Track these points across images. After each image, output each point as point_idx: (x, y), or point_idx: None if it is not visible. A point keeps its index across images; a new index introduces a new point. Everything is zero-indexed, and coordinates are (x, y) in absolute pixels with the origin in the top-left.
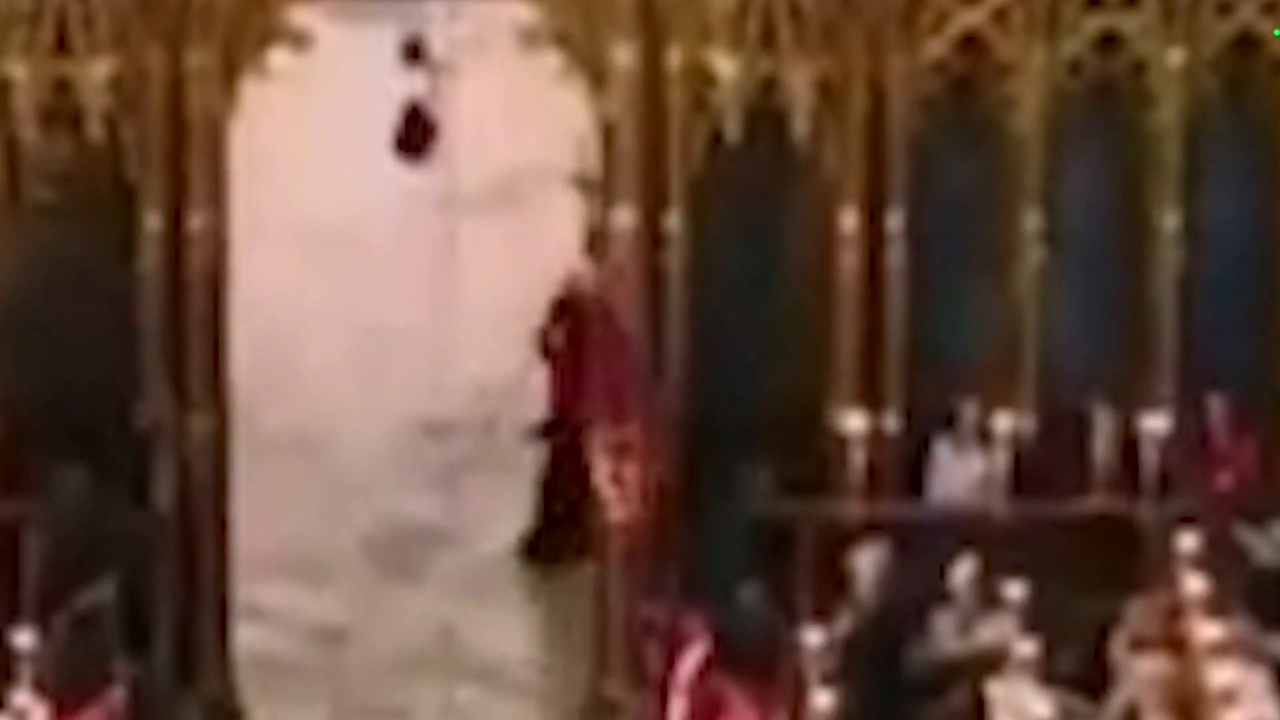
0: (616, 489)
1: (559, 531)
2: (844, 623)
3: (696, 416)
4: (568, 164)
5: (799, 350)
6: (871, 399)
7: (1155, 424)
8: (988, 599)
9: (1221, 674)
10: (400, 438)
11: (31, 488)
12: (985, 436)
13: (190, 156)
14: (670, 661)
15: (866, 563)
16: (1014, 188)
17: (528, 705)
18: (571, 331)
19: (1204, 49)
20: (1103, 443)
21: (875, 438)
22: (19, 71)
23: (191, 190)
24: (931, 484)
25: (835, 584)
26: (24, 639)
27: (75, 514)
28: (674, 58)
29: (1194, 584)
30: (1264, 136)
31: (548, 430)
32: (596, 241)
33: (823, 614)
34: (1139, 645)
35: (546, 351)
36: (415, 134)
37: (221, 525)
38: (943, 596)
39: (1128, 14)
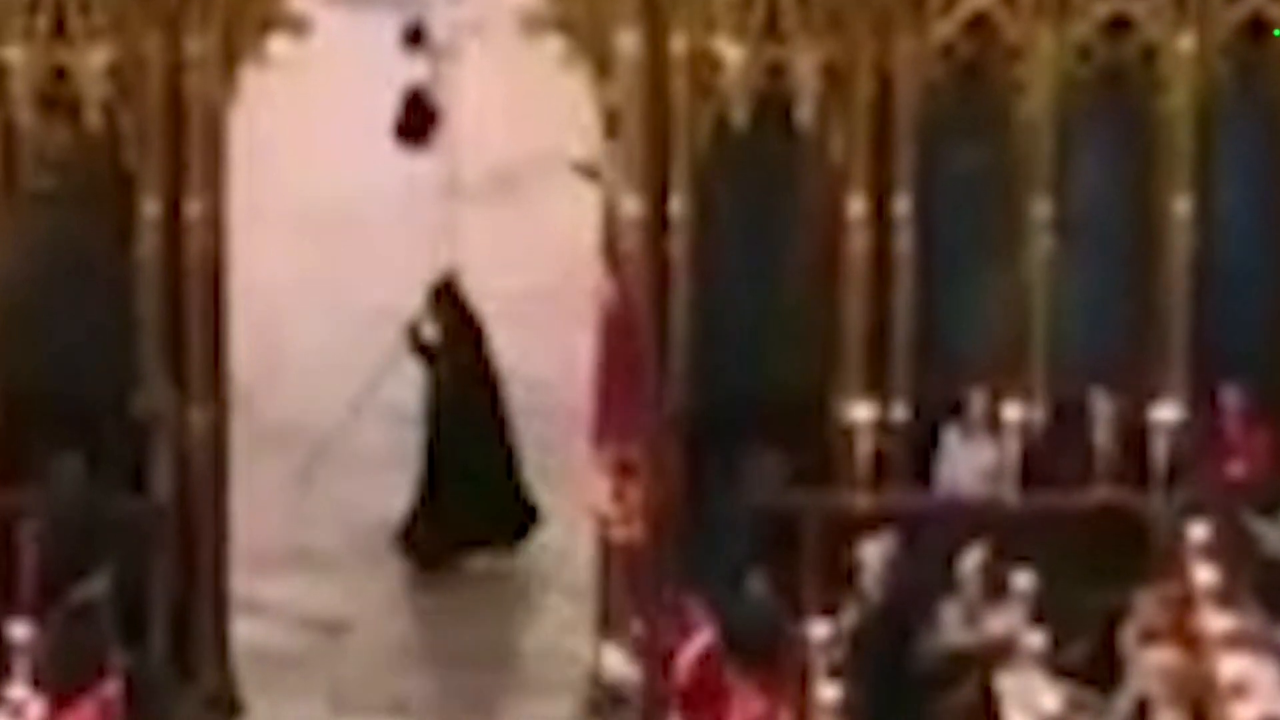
0: (618, 508)
1: (438, 525)
2: (850, 614)
3: (702, 405)
4: (570, 151)
5: (805, 338)
6: (879, 388)
7: (1166, 413)
8: (996, 590)
9: (1232, 666)
10: (402, 426)
11: (28, 477)
12: (994, 426)
13: (189, 143)
14: (672, 650)
15: (873, 553)
16: (1023, 173)
17: (529, 697)
18: (448, 325)
19: (1214, 34)
20: (1102, 431)
21: (882, 427)
22: (17, 58)
23: (190, 177)
24: (939, 474)
25: (842, 575)
26: (20, 631)
27: (72, 504)
28: (679, 44)
29: (1204, 575)
30: (1275, 122)
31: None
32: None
33: (829, 605)
34: (1149, 637)
35: (418, 345)
36: (416, 120)
37: (220, 516)
38: (950, 587)
39: None
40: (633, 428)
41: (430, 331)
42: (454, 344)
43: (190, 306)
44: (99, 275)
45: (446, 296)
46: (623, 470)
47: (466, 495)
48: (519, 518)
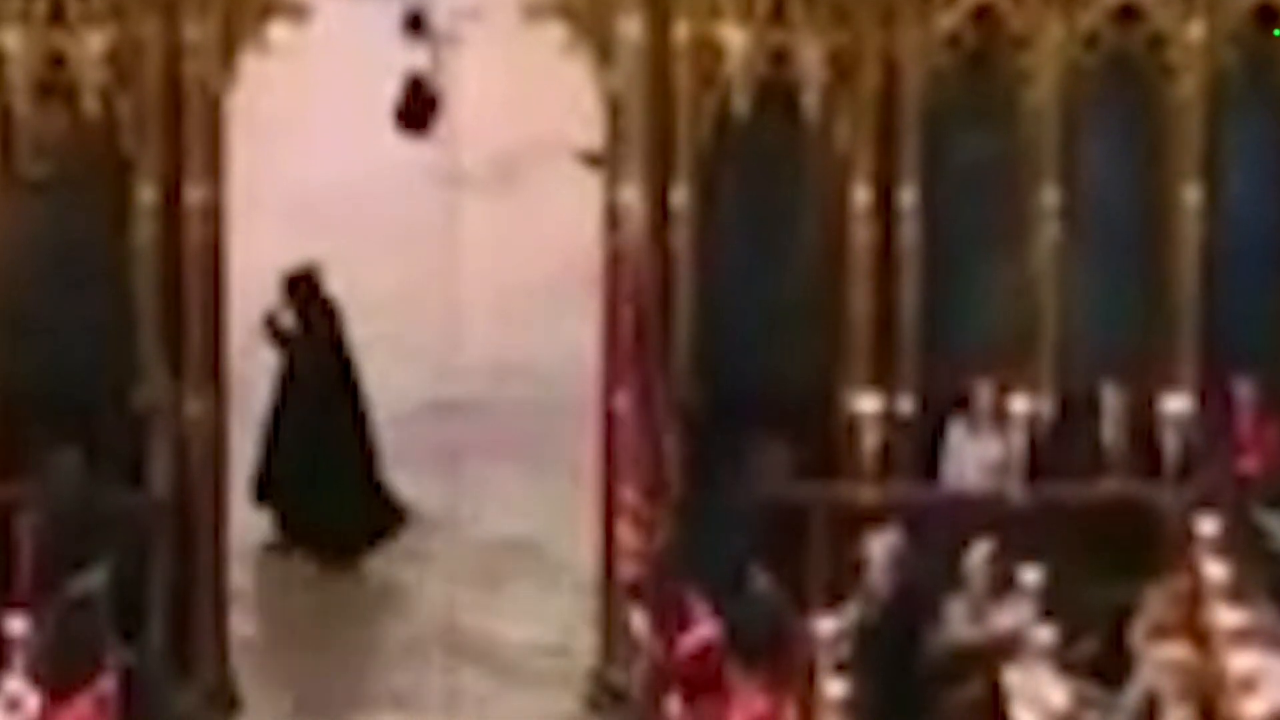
0: (629, 546)
1: (286, 521)
2: (856, 609)
3: (706, 397)
4: (573, 139)
5: (810, 330)
6: (885, 380)
7: (1176, 406)
8: (1003, 584)
9: (1242, 661)
10: (402, 419)
11: (25, 470)
12: (1001, 419)
13: (188, 131)
14: (671, 642)
15: (879, 547)
16: (1030, 163)
17: (532, 692)
18: (306, 316)
19: (1223, 22)
20: (1111, 423)
21: (888, 419)
22: (13, 43)
23: (189, 165)
24: (946, 467)
25: (847, 569)
26: (16, 625)
27: (69, 497)
28: (682, 30)
29: (1214, 570)
30: None
31: None
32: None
33: (835, 599)
34: (1158, 632)
35: (275, 335)
36: (416, 107)
37: (219, 509)
38: (957, 582)
39: None
40: (643, 469)
41: (288, 322)
42: (311, 336)
43: (189, 296)
44: (96, 264)
45: (305, 287)
46: (635, 518)
47: (315, 491)
48: (377, 518)
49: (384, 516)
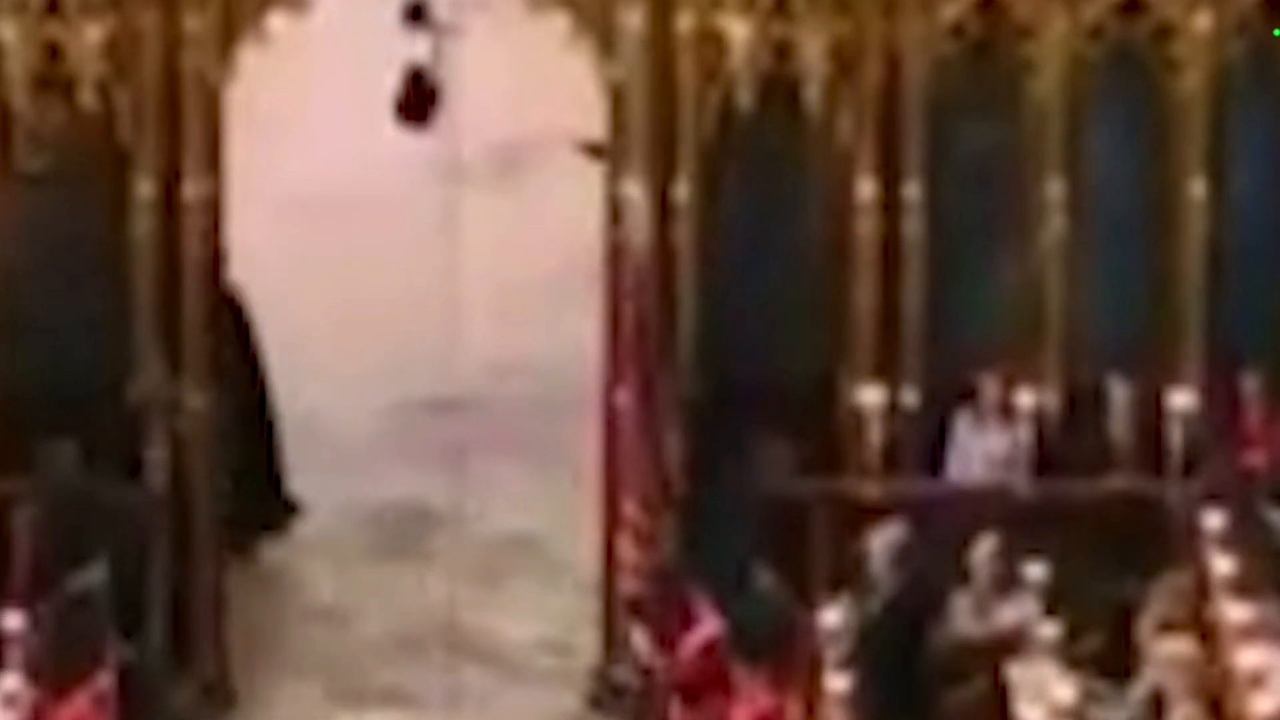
0: (629, 559)
1: (248, 508)
2: (860, 604)
3: (708, 392)
4: (575, 132)
5: (813, 324)
6: (889, 373)
7: (1182, 400)
8: (1008, 580)
9: (1249, 657)
10: (402, 415)
11: (22, 465)
12: (1007, 412)
13: (186, 123)
14: (673, 640)
15: (883, 542)
16: (1035, 155)
17: (533, 690)
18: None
19: (1229, 14)
20: (1118, 417)
21: (893, 413)
22: (8, 35)
23: (187, 158)
24: (951, 462)
25: (851, 564)
26: (14, 621)
27: (67, 492)
28: (684, 22)
29: (1221, 565)
30: None
31: None
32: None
33: (838, 595)
34: (1165, 627)
35: None
36: (417, 99)
37: (217, 504)
38: (961, 577)
39: None
40: (643, 473)
41: None
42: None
43: (186, 288)
44: (94, 258)
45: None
46: (636, 533)
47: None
48: (273, 509)
49: (279, 510)
